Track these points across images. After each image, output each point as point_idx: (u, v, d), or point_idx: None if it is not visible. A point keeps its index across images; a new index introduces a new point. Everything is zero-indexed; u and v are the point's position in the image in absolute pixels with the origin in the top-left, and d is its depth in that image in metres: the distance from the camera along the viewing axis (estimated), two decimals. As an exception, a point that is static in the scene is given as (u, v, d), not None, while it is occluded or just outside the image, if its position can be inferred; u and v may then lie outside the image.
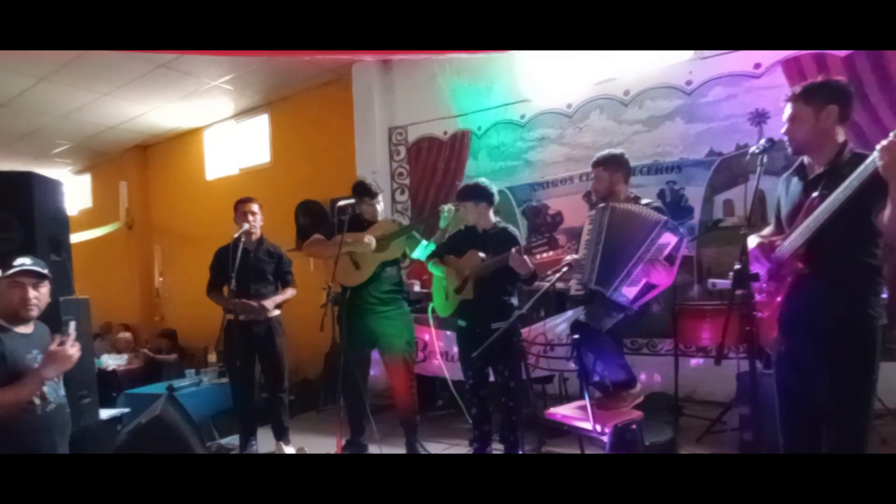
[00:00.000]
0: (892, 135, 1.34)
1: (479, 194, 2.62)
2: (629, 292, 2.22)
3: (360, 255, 2.82)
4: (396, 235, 2.83)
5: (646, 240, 2.16)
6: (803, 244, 1.55)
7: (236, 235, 3.03)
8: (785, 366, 1.67)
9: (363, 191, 2.91)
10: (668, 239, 2.16)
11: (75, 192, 7.62)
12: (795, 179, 1.67)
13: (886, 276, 3.01)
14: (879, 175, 1.37)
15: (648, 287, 2.23)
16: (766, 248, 1.65)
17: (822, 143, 1.58)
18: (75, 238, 3.50)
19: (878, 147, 1.36)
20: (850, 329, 1.52)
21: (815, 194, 1.54)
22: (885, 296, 2.71)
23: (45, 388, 1.77)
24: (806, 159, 1.66)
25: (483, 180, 2.69)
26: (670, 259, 2.18)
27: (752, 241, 1.74)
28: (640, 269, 2.17)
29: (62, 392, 1.88)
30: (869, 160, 1.40)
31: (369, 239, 2.78)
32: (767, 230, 1.79)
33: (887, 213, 1.39)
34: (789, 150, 1.64)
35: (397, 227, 2.90)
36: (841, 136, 1.59)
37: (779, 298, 1.63)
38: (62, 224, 2.79)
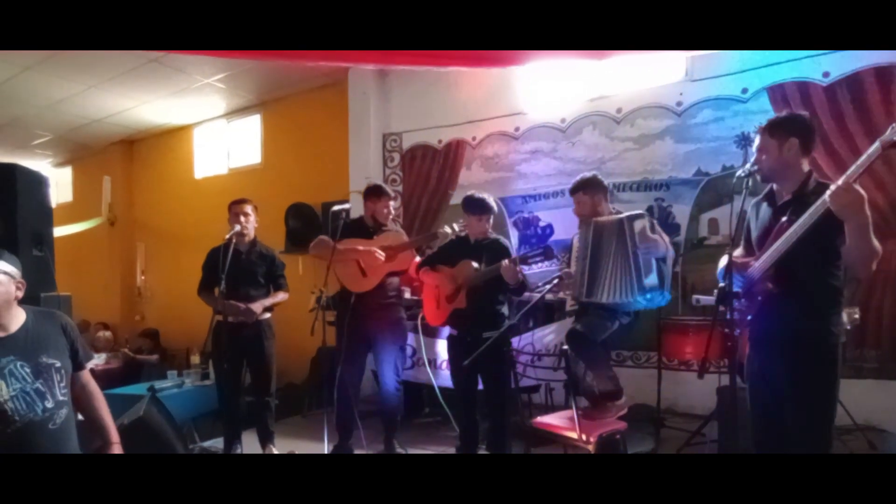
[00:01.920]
0: (840, 180, 1.46)
1: (484, 207, 2.66)
2: (652, 279, 2.32)
3: (368, 263, 2.86)
4: (404, 248, 2.90)
5: (625, 238, 2.32)
6: (772, 266, 1.65)
7: (227, 236, 3.00)
8: (756, 379, 1.76)
9: (378, 191, 2.95)
10: (640, 224, 2.33)
11: (55, 185, 7.39)
12: (765, 205, 1.78)
13: (860, 299, 3.18)
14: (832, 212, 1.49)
15: (660, 264, 2.34)
16: (739, 269, 1.74)
17: (786, 172, 1.70)
18: (55, 232, 3.41)
19: (828, 192, 1.48)
20: (813, 344, 1.63)
21: (783, 219, 1.64)
22: (857, 316, 2.86)
23: (10, 405, 1.50)
24: (775, 186, 1.77)
25: (486, 195, 2.72)
26: (654, 231, 2.33)
27: (725, 262, 1.84)
28: (642, 256, 2.30)
29: (49, 404, 1.56)
30: (819, 201, 1.51)
31: (380, 254, 2.83)
32: (738, 252, 1.89)
33: (846, 246, 1.52)
34: (758, 178, 1.74)
35: (404, 238, 2.96)
36: (805, 166, 1.71)
37: (749, 316, 1.72)
38: (45, 219, 2.74)
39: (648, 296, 2.35)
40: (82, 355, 1.76)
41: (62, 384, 1.64)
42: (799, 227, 1.56)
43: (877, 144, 1.45)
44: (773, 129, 1.71)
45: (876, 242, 1.50)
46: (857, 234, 1.48)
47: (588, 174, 2.60)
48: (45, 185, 2.74)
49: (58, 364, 1.64)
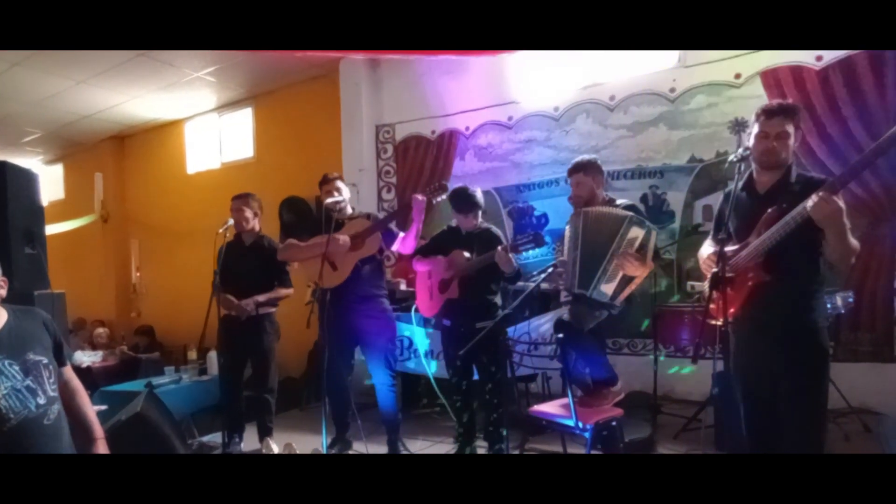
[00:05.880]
0: (820, 193, 1.50)
1: (471, 205, 2.64)
2: (608, 289, 2.27)
3: (336, 256, 2.78)
4: (370, 233, 2.80)
5: (616, 236, 2.25)
6: (762, 254, 1.67)
7: (219, 231, 2.99)
8: (745, 366, 1.79)
9: (323, 179, 2.84)
10: (636, 233, 2.24)
11: (46, 182, 7.35)
12: (744, 194, 1.78)
13: (854, 283, 3.19)
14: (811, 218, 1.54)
15: (626, 281, 2.28)
16: (724, 257, 1.73)
17: (788, 160, 1.71)
18: (48, 230, 3.38)
19: (810, 202, 1.52)
20: (801, 329, 1.67)
21: (770, 209, 1.65)
22: (851, 300, 2.87)
23: (4, 404, 1.49)
24: (754, 175, 1.77)
25: (472, 189, 2.67)
26: (642, 250, 2.24)
27: (708, 250, 1.86)
28: (615, 264, 2.25)
29: (41, 401, 1.56)
30: (799, 208, 1.56)
31: (344, 239, 2.74)
32: (710, 241, 1.91)
33: (828, 248, 1.60)
34: (756, 164, 1.74)
35: (370, 223, 2.86)
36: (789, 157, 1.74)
37: (731, 307, 1.72)
38: (37, 216, 2.71)
39: (594, 297, 2.28)
40: (65, 352, 1.76)
41: (51, 380, 1.63)
42: (788, 222, 1.59)
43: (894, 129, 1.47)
44: (794, 116, 1.69)
45: (854, 241, 1.57)
46: (837, 239, 1.55)
47: (588, 156, 2.54)
48: (35, 182, 2.71)
49: (45, 361, 1.63)
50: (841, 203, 1.50)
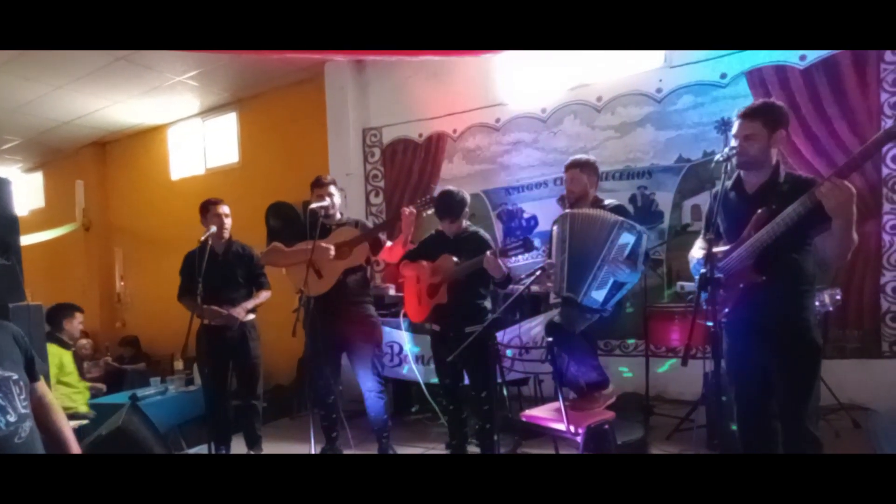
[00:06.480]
0: (830, 178, 1.50)
1: (454, 211, 2.59)
2: (599, 295, 2.25)
3: (321, 264, 2.73)
4: (357, 242, 2.77)
5: (606, 242, 2.21)
6: (753, 255, 1.66)
7: (202, 238, 2.93)
8: (738, 365, 1.79)
9: (316, 182, 2.79)
10: (627, 239, 2.21)
11: (26, 191, 7.22)
12: (733, 194, 1.78)
13: (841, 280, 3.21)
14: (819, 206, 1.52)
15: (617, 286, 2.26)
16: (713, 258, 1.73)
17: (766, 161, 1.73)
18: (27, 240, 3.29)
19: (820, 190, 1.51)
20: (795, 329, 1.68)
21: (760, 210, 1.66)
22: (838, 297, 2.89)
23: None
24: (743, 175, 1.77)
25: (457, 193, 2.62)
26: (632, 256, 2.22)
27: (699, 252, 1.85)
28: (605, 270, 2.22)
29: (11, 418, 1.49)
30: (804, 197, 1.54)
31: (330, 248, 2.69)
32: (700, 241, 1.91)
33: (830, 241, 1.57)
34: (733, 164, 1.73)
35: (358, 232, 2.82)
36: (774, 156, 1.74)
37: (724, 308, 1.73)
38: (10, 225, 2.62)
39: (585, 303, 2.25)
40: (37, 366, 1.70)
41: (22, 397, 1.57)
42: (784, 220, 1.58)
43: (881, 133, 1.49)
44: (765, 118, 1.70)
45: (854, 234, 1.55)
46: (843, 228, 1.52)
47: (587, 156, 2.55)
48: (8, 189, 2.62)
49: (15, 376, 1.57)
50: (853, 189, 1.48)
